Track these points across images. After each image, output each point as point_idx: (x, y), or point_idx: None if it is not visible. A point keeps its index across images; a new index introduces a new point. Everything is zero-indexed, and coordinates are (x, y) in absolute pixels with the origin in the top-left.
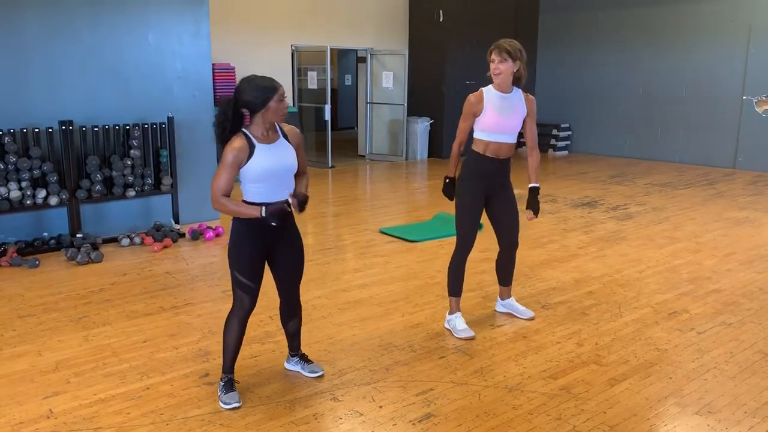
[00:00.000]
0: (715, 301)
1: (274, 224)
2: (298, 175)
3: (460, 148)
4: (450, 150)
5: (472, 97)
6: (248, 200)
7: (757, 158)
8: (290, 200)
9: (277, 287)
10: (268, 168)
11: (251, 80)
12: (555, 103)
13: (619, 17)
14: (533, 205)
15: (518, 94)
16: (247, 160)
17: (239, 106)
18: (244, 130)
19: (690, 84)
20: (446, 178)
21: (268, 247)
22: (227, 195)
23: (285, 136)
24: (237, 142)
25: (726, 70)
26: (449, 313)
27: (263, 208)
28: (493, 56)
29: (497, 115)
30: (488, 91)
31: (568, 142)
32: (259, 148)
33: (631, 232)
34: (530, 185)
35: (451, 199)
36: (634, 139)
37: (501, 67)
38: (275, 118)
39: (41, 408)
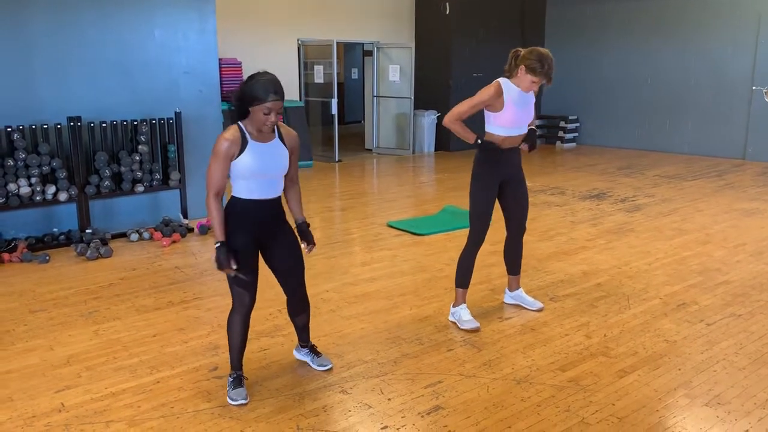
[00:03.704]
0: (725, 292)
1: (215, 264)
2: (289, 184)
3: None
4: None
5: (493, 90)
6: (237, 195)
7: (767, 149)
8: (306, 249)
9: (281, 285)
10: (257, 167)
11: (255, 77)
12: (562, 95)
13: (627, 8)
14: (531, 140)
15: None
16: (238, 155)
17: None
18: (239, 122)
19: (699, 74)
20: (477, 139)
21: (258, 242)
22: (221, 191)
23: (281, 137)
24: (229, 133)
25: (735, 60)
26: (454, 305)
27: (219, 244)
28: (540, 79)
29: (517, 111)
30: (507, 85)
31: (576, 134)
32: (251, 145)
33: (640, 224)
34: (529, 127)
35: (495, 156)
36: (643, 131)
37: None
38: (258, 126)
39: (53, 402)
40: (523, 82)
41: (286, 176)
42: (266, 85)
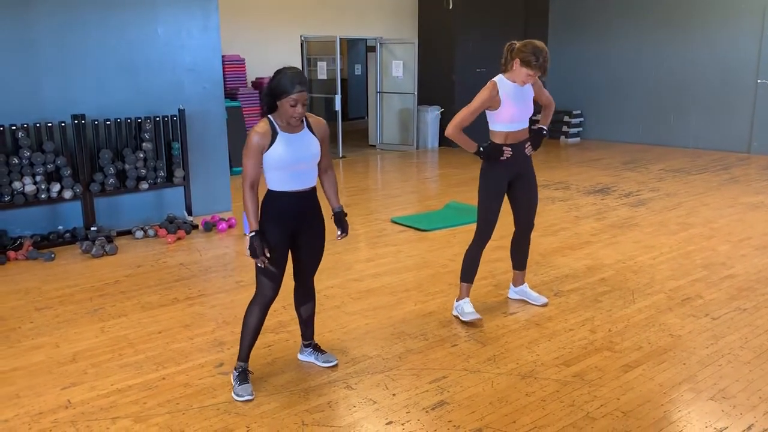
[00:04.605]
0: (730, 286)
1: (248, 254)
2: (324, 171)
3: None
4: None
5: (488, 91)
6: (272, 189)
7: None
8: (339, 235)
9: (294, 272)
10: (288, 158)
11: (282, 71)
12: (566, 89)
13: (630, 1)
14: (536, 141)
15: None
16: (269, 147)
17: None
18: (269, 116)
19: (703, 68)
20: (479, 148)
21: (292, 235)
22: (255, 182)
23: (309, 127)
24: (260, 127)
25: (740, 53)
26: (457, 299)
27: (254, 233)
28: (535, 72)
29: (515, 106)
30: (502, 82)
31: (580, 129)
32: (281, 137)
33: (644, 219)
34: (538, 126)
35: (500, 155)
36: (647, 125)
37: (534, 79)
38: (285, 118)
39: (59, 398)
40: (518, 76)
41: (319, 166)
42: (292, 77)
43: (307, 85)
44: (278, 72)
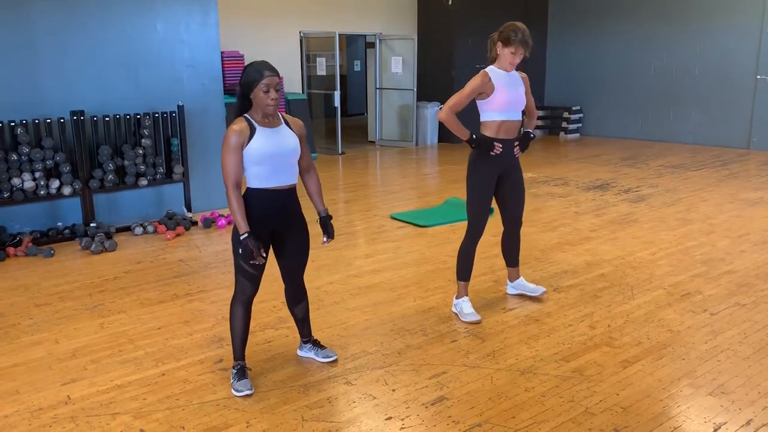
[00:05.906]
0: (729, 282)
1: (240, 253)
2: (306, 171)
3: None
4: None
5: (481, 78)
6: (252, 186)
7: None
8: (325, 241)
9: (282, 274)
10: (269, 151)
11: (249, 64)
12: (566, 85)
13: None
14: (523, 143)
15: (514, 71)
16: (248, 142)
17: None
18: (245, 114)
19: (703, 64)
20: (472, 136)
21: (273, 235)
22: (239, 182)
23: (288, 124)
24: (236, 125)
25: (740, 49)
26: (456, 298)
27: (247, 234)
28: (519, 51)
29: (508, 92)
30: (493, 71)
31: (580, 125)
32: (260, 131)
33: (644, 215)
34: (525, 130)
35: (491, 149)
36: (647, 121)
37: (520, 59)
38: (262, 108)
39: (59, 394)
40: (505, 59)
41: (301, 164)
42: (258, 66)
43: (276, 71)
44: (245, 67)
